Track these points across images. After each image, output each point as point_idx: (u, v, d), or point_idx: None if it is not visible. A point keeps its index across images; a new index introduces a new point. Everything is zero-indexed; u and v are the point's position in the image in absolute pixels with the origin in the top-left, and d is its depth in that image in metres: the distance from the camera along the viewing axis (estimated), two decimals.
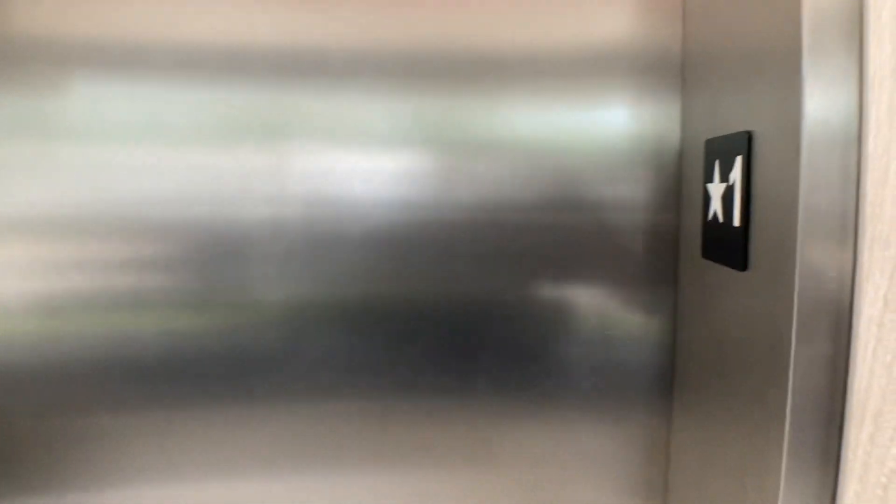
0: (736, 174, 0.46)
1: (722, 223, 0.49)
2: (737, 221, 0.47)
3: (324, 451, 0.71)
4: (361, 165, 0.66)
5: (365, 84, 0.65)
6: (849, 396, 0.41)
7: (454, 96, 0.65)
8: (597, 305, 0.66)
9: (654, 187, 0.64)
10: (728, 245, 0.48)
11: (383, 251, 0.67)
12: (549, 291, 0.66)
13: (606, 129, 0.65)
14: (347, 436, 0.70)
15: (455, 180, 0.66)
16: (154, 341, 0.67)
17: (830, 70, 0.38)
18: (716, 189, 0.50)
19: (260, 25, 0.64)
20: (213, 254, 0.66)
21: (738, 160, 0.45)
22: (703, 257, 0.54)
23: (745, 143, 0.44)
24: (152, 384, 0.68)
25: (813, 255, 0.39)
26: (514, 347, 0.68)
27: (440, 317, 0.68)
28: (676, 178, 0.63)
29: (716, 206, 0.50)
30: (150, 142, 0.64)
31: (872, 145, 0.36)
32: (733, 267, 0.48)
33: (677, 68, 0.64)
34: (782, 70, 0.41)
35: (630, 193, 0.65)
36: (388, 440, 0.70)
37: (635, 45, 0.64)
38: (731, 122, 0.49)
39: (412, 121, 0.65)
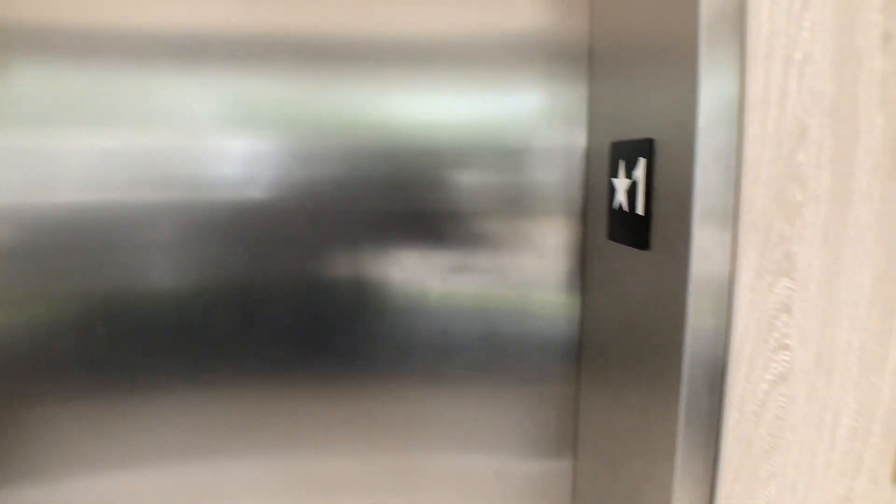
0: (639, 173, 0.56)
1: (627, 211, 0.59)
2: (640, 210, 0.57)
3: (219, 437, 0.74)
4: (233, 149, 0.69)
5: (239, 68, 0.68)
6: (729, 346, 0.52)
7: (350, 82, 0.69)
8: (508, 281, 0.75)
9: (563, 174, 0.73)
10: (632, 229, 0.59)
11: (269, 233, 0.71)
12: (462, 269, 0.74)
13: (504, 116, 0.71)
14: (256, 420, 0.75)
15: (349, 164, 0.71)
16: (20, 333, 0.68)
17: (719, 90, 0.48)
18: (621, 183, 0.60)
19: (136, 9, 0.65)
20: (70, 241, 0.67)
21: (642, 162, 0.55)
22: (609, 239, 0.65)
23: (647, 148, 0.54)
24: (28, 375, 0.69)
25: (703, 236, 0.50)
26: (432, 321, 0.74)
27: (356, 297, 0.73)
28: (583, 169, 0.73)
29: (621, 198, 0.60)
30: (8, 127, 0.64)
31: (749, 154, 0.47)
32: (637, 247, 0.58)
33: (584, 60, 0.70)
34: (679, 80, 0.51)
35: (540, 178, 0.73)
36: (304, 421, 0.75)
37: (540, 36, 0.69)
38: (635, 122, 0.59)
39: (294, 104, 0.69)
